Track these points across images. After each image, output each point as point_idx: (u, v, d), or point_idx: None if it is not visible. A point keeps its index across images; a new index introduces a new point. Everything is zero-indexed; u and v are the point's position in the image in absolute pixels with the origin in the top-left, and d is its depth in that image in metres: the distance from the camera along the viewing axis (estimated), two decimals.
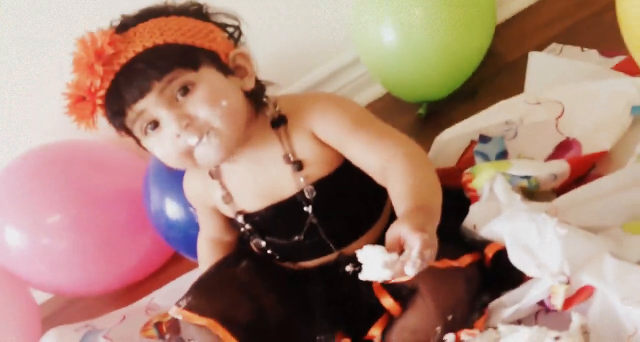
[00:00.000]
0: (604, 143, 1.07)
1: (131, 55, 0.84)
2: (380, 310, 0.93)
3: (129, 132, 0.91)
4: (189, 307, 0.96)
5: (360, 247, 0.85)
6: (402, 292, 0.91)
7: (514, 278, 0.92)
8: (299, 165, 0.93)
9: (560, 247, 0.87)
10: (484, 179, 1.03)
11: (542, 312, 0.91)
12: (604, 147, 1.07)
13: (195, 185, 1.04)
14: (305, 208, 0.94)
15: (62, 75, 0.83)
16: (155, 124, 0.87)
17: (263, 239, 1.00)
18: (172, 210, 1.30)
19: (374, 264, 0.75)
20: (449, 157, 1.21)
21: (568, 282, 0.87)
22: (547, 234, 0.88)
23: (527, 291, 0.90)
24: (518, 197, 0.98)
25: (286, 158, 0.93)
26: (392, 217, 0.96)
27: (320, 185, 0.93)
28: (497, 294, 0.92)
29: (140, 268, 1.48)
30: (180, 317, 0.96)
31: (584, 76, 1.23)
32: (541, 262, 0.88)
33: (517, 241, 0.90)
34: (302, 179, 0.93)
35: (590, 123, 1.11)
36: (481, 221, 0.97)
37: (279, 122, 0.94)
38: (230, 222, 1.05)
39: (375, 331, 0.93)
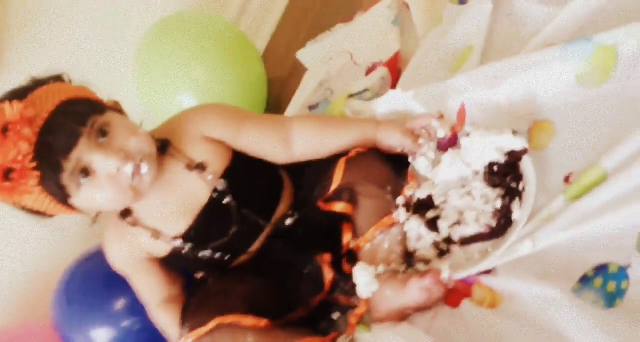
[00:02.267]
0: (394, 46, 1.34)
1: (46, 115, 0.87)
2: (338, 226, 1.07)
3: (61, 198, 0.92)
4: (192, 328, 1.00)
5: (283, 209, 1.08)
6: (344, 197, 1.05)
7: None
8: (202, 167, 1.03)
9: (417, 104, 1.09)
10: (340, 109, 1.23)
11: None
12: (395, 49, 1.33)
13: (119, 248, 1.08)
14: (225, 200, 1.04)
15: None
16: (85, 173, 0.91)
17: (208, 249, 1.06)
18: (102, 335, 1.29)
19: (362, 281, 0.97)
20: None
21: (442, 116, 1.08)
22: (403, 100, 1.10)
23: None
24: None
25: (189, 166, 1.03)
26: (294, 179, 1.13)
27: (227, 175, 1.04)
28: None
29: None
30: (190, 341, 0.99)
31: (344, 35, 1.52)
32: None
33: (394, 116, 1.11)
34: (210, 177, 1.03)
35: (374, 45, 1.38)
36: None
37: (165, 145, 1.03)
38: (171, 264, 1.10)
39: (347, 237, 1.05)
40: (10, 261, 1.54)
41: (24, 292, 1.53)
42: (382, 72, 1.29)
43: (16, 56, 1.55)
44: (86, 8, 1.64)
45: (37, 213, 0.96)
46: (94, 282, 1.27)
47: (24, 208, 0.94)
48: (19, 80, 0.95)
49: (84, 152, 0.90)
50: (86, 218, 1.02)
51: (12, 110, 0.86)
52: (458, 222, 0.98)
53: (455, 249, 0.98)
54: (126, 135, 0.94)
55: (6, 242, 1.54)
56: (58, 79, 0.97)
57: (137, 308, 1.17)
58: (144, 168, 0.95)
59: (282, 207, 1.09)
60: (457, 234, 0.97)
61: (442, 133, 1.06)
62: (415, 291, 0.94)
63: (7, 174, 0.87)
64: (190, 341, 0.99)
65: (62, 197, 0.92)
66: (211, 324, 0.97)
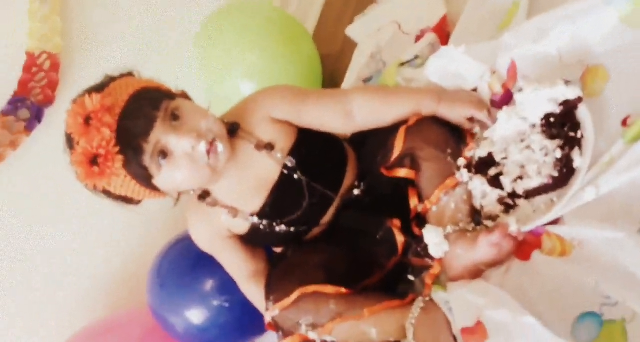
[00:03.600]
0: (440, 10, 1.35)
1: (123, 103, 0.95)
2: (403, 192, 1.10)
3: (144, 179, 0.99)
4: (277, 300, 1.06)
5: (349, 181, 1.13)
6: (407, 163, 1.08)
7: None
8: (270, 147, 1.08)
9: (469, 58, 1.10)
10: (392, 78, 1.26)
11: None
12: (442, 13, 1.34)
13: (203, 228, 1.15)
14: (295, 176, 1.09)
15: None
16: (164, 154, 0.97)
17: (283, 223, 1.12)
18: (196, 315, 1.35)
19: (432, 242, 1.01)
20: None
21: (494, 72, 1.09)
22: (455, 56, 1.11)
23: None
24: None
25: (258, 146, 1.08)
26: (357, 151, 1.17)
27: (294, 152, 1.09)
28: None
29: None
30: (277, 311, 1.06)
31: (391, 6, 1.53)
32: (467, 77, 1.11)
33: (444, 77, 1.13)
34: (279, 155, 1.08)
35: (420, 13, 1.39)
36: None
37: (234, 128, 1.09)
38: (252, 240, 1.15)
39: (413, 201, 1.09)
40: (105, 253, 1.65)
41: (121, 281, 1.64)
42: (431, 37, 1.31)
43: (81, 54, 1.65)
44: (143, 8, 1.71)
45: (125, 199, 1.03)
46: (184, 265, 1.34)
47: (112, 195, 1.02)
48: (85, 75, 1.02)
49: (161, 135, 0.97)
50: (170, 206, 1.09)
51: (92, 101, 0.94)
52: (521, 177, 1.00)
53: (521, 202, 1.00)
54: (196, 117, 1.01)
55: (100, 236, 1.66)
56: (129, 74, 1.05)
57: (226, 286, 1.24)
58: (220, 147, 1.01)
59: (349, 179, 1.13)
60: (521, 187, 0.99)
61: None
62: (485, 247, 0.97)
63: (94, 160, 0.94)
64: (276, 311, 1.05)
65: (146, 178, 0.99)
66: (294, 295, 1.03)
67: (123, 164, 0.95)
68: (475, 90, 1.12)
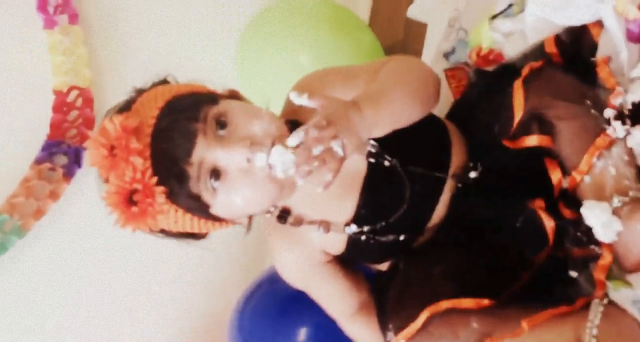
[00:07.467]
0: None
1: (152, 121, 0.75)
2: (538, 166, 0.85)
3: (200, 210, 0.78)
4: (398, 328, 0.82)
5: (460, 161, 0.88)
6: (534, 127, 0.83)
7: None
8: None
9: None
10: (485, 35, 1.02)
11: None
12: None
13: (292, 256, 0.91)
14: (387, 163, 0.85)
15: None
16: (216, 175, 0.76)
17: (390, 228, 0.87)
18: None
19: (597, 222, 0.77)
20: None
21: None
22: None
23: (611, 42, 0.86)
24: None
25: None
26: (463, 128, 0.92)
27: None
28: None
29: None
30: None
31: None
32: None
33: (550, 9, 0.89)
34: None
35: None
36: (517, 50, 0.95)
37: (295, 125, 0.81)
38: (352, 259, 0.93)
39: (555, 175, 0.84)
40: (181, 307, 1.43)
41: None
42: None
43: (114, 82, 1.44)
44: (176, 17, 1.51)
45: (187, 236, 0.82)
46: (270, 313, 1.13)
47: (171, 234, 0.80)
48: (119, 82, 0.82)
49: (205, 151, 0.75)
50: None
51: (114, 125, 0.73)
52: None
53: None
54: (247, 120, 0.78)
55: (168, 286, 1.45)
56: (163, 82, 0.83)
57: (324, 332, 1.06)
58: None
59: (457, 157, 0.89)
60: None
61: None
62: None
63: (131, 198, 0.73)
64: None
65: (201, 208, 0.77)
66: (422, 317, 0.79)
67: (167, 197, 0.74)
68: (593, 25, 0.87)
